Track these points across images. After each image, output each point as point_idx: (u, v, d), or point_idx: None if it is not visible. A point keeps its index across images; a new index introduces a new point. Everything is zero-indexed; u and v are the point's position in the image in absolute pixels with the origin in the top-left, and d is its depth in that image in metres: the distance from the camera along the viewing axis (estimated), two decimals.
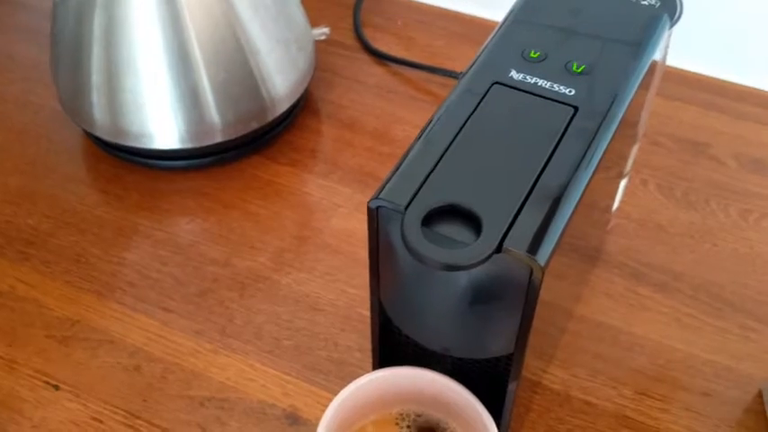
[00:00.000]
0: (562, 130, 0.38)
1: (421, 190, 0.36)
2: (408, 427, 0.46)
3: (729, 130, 0.69)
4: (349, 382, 0.44)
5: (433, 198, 0.35)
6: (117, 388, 0.53)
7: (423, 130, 0.38)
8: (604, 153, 0.38)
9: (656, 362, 0.54)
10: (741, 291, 0.58)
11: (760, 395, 0.52)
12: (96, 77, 0.61)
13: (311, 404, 0.52)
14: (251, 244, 0.61)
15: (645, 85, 0.45)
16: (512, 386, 0.42)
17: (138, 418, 0.51)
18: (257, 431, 0.50)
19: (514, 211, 0.35)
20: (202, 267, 0.59)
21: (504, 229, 0.34)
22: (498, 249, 0.34)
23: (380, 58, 0.75)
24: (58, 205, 0.63)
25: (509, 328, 0.37)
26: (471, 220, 0.35)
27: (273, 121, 0.65)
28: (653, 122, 0.68)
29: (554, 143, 0.38)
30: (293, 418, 0.51)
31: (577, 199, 0.36)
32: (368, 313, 0.57)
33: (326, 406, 0.42)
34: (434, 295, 0.37)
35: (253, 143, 0.66)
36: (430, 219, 0.35)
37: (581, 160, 0.37)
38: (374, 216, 0.36)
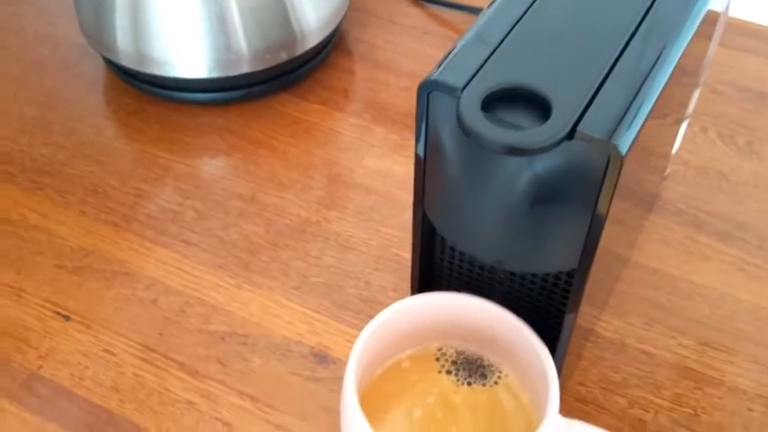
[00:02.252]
0: (640, 17, 0.34)
1: (479, 72, 0.31)
2: (454, 362, 0.41)
3: None
4: None
5: (493, 80, 0.31)
6: (131, 320, 0.49)
7: (480, 14, 0.34)
8: (688, 45, 0.33)
9: (718, 312, 0.49)
10: None
11: None
12: None
13: (341, 343, 0.47)
14: (278, 181, 0.57)
15: (706, 33, 0.41)
16: (569, 317, 0.38)
17: (154, 351, 0.47)
18: (282, 368, 0.46)
19: (588, 96, 0.30)
20: (226, 202, 0.55)
21: (578, 114, 0.30)
22: (571, 135, 0.29)
23: None
24: (74, 136, 0.60)
25: (575, 234, 0.32)
26: (538, 107, 0.30)
27: (303, 55, 0.61)
28: (713, 71, 0.64)
29: (631, 30, 0.33)
30: (321, 357, 0.47)
31: (661, 87, 0.31)
32: (403, 254, 0.53)
33: None
34: (490, 194, 0.33)
35: (281, 78, 0.62)
36: (490, 104, 0.30)
37: (663, 49, 0.32)
38: (425, 104, 0.32)
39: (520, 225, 0.33)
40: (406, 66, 0.65)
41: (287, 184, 0.57)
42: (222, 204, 0.55)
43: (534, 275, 0.37)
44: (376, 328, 0.39)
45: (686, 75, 0.45)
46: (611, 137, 0.29)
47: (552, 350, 0.39)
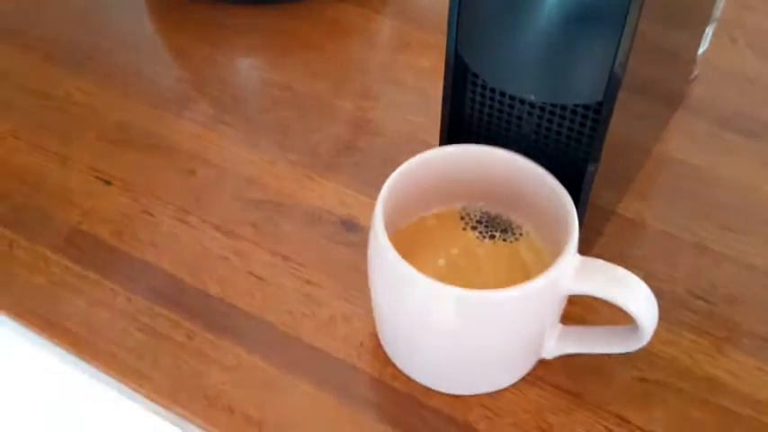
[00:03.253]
0: None
1: None
2: (479, 221, 0.43)
3: None
4: None
5: None
6: (170, 187, 0.51)
7: None
8: None
9: (739, 199, 0.50)
10: None
11: None
12: None
13: (369, 214, 0.49)
14: (312, 72, 0.58)
15: None
16: (592, 167, 0.39)
17: (190, 213, 0.49)
18: (312, 233, 0.48)
19: None
20: (262, 90, 0.57)
21: None
22: None
23: None
24: (117, 29, 0.62)
25: (603, 59, 0.34)
26: None
27: None
28: None
29: None
30: (350, 225, 0.49)
31: None
32: (431, 140, 0.54)
33: None
34: (524, 16, 0.34)
35: None
36: None
37: None
38: None
39: (551, 48, 0.34)
40: None
41: (322, 76, 0.58)
42: (258, 92, 0.57)
43: (563, 115, 0.38)
44: (402, 173, 0.40)
45: None
46: None
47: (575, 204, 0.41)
